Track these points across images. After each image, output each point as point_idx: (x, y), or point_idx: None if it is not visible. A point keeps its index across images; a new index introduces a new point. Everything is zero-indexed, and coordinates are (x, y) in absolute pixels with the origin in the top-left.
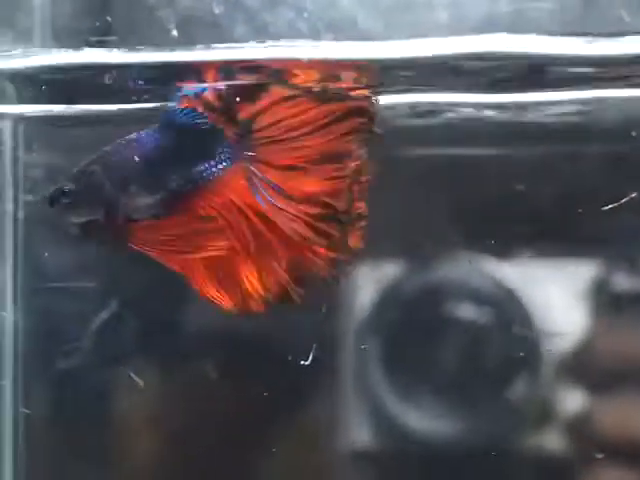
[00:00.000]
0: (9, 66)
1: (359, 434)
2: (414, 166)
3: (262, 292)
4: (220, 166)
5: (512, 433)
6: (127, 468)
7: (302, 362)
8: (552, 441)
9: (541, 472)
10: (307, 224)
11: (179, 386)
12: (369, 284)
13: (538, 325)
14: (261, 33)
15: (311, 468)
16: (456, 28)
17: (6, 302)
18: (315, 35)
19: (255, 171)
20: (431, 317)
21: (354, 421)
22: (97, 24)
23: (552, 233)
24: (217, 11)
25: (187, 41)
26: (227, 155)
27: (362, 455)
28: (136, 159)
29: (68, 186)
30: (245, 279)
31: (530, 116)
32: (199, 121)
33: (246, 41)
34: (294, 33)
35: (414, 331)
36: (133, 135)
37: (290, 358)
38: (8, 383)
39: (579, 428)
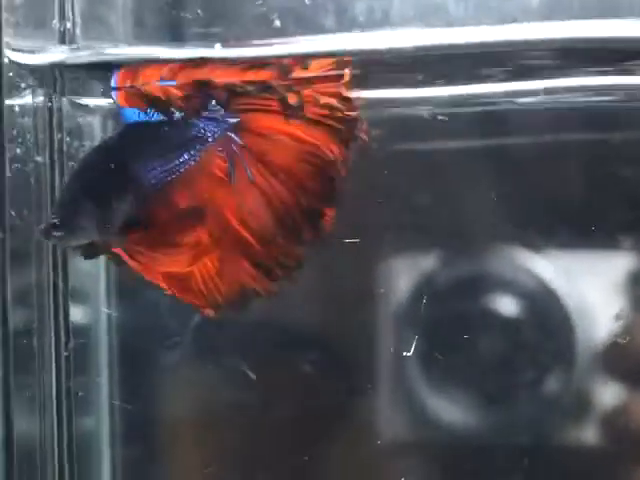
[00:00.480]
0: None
1: (396, 427)
2: (457, 156)
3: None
4: (193, 151)
5: (548, 427)
6: (223, 462)
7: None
8: (588, 434)
9: (577, 465)
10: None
11: (279, 379)
12: (406, 276)
13: (575, 318)
14: (352, 23)
15: (355, 461)
16: (547, 13)
17: (100, 296)
18: (406, 23)
19: (236, 139)
20: (467, 310)
21: (392, 415)
22: (188, 16)
23: (586, 225)
24: (307, 1)
25: (278, 33)
26: (204, 135)
27: (400, 448)
28: (110, 166)
29: (55, 218)
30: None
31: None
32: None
33: (335, 32)
34: (385, 22)
35: (450, 324)
36: (99, 142)
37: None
38: (104, 379)
39: (615, 422)
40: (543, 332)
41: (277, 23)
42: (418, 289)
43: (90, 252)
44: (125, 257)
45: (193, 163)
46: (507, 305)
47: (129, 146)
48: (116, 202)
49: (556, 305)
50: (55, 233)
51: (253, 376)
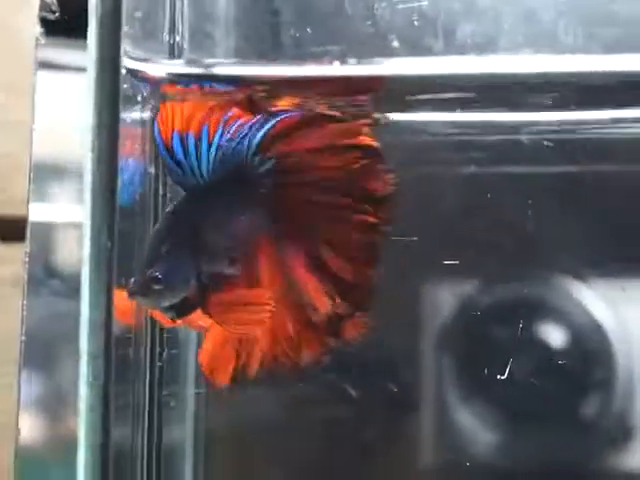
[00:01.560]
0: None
1: (433, 449)
2: (502, 182)
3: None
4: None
5: (588, 454)
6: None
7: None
8: (629, 462)
9: None
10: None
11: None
12: (447, 299)
13: (616, 346)
14: (460, 46)
15: None
16: None
17: None
18: (514, 48)
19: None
20: (509, 335)
21: (430, 436)
22: (296, 35)
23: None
24: (416, 23)
25: (389, 53)
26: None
27: (436, 470)
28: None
29: (156, 272)
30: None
31: None
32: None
33: (444, 54)
34: (492, 46)
35: (489, 348)
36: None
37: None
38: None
39: None
40: (585, 360)
41: (395, 44)
42: (461, 313)
43: (182, 311)
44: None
45: (249, 227)
46: (550, 332)
47: (197, 211)
48: (209, 253)
49: (599, 334)
50: (156, 287)
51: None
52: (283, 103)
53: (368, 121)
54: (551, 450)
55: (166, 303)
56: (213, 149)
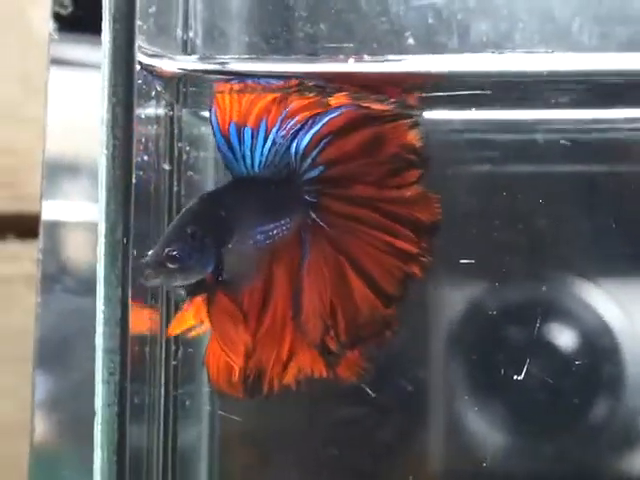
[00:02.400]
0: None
1: (443, 453)
2: (511, 182)
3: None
4: (284, 222)
5: (597, 458)
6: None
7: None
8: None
9: None
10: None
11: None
12: (455, 302)
13: (625, 349)
14: (476, 44)
15: None
16: None
17: None
18: (529, 46)
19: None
20: (519, 338)
21: (440, 440)
22: (311, 31)
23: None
24: (431, 21)
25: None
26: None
27: (447, 474)
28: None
29: (174, 251)
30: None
31: None
32: None
33: (459, 52)
34: (508, 44)
35: (498, 350)
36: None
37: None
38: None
39: None
40: (594, 363)
41: (410, 41)
42: (471, 315)
43: (194, 292)
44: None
45: (285, 232)
46: (560, 334)
47: (236, 201)
48: (230, 244)
49: (608, 336)
50: (171, 265)
51: (372, 394)
52: (333, 101)
53: (411, 121)
54: (561, 452)
55: (177, 283)
56: (268, 143)
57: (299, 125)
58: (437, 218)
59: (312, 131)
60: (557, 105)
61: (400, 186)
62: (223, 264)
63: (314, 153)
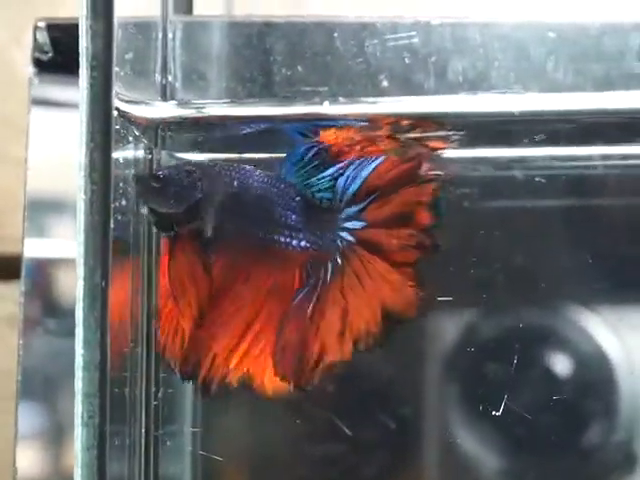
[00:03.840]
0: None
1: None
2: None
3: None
4: (300, 243)
5: None
6: None
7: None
8: None
9: None
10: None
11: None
12: (449, 328)
13: (619, 372)
14: (451, 85)
15: None
16: None
17: None
18: (505, 86)
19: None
20: (510, 362)
21: (433, 464)
22: (288, 74)
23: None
24: (407, 61)
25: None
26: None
27: None
28: (234, 188)
29: (162, 172)
30: None
31: None
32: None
33: (436, 93)
34: (484, 84)
35: (491, 376)
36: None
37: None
38: (189, 428)
39: None
40: (589, 388)
41: (385, 83)
42: (464, 341)
43: (161, 222)
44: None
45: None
46: (554, 360)
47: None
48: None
49: (603, 361)
50: (153, 183)
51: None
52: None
53: (438, 184)
54: (556, 478)
55: (158, 206)
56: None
57: (349, 161)
58: (409, 313)
59: (363, 175)
60: (532, 143)
61: (398, 264)
62: (203, 214)
63: (360, 207)
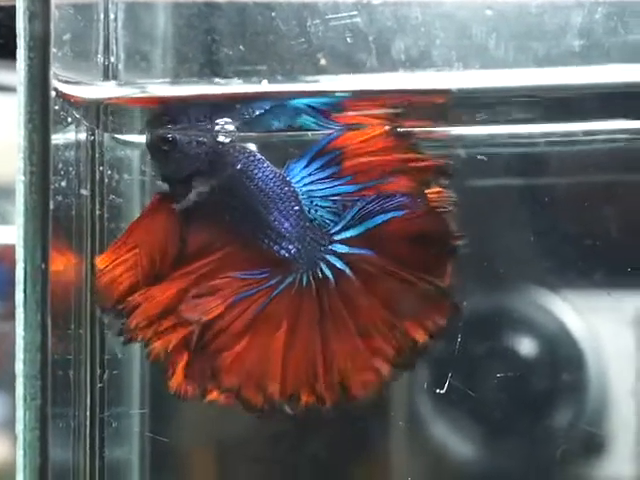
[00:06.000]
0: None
1: (411, 465)
2: (497, 193)
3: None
4: (281, 251)
5: (560, 462)
6: None
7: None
8: (600, 470)
9: None
10: None
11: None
12: None
13: (588, 355)
14: (393, 63)
15: None
16: (588, 56)
17: None
18: (447, 63)
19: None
20: (482, 347)
21: (406, 452)
22: (230, 53)
23: (605, 264)
24: (349, 40)
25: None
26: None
27: None
28: (235, 171)
29: (173, 136)
30: None
31: None
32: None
33: (377, 71)
34: (426, 62)
35: (463, 360)
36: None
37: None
38: (136, 410)
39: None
40: (557, 370)
41: (323, 62)
42: None
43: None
44: None
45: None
46: (522, 343)
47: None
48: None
49: (571, 343)
50: (162, 146)
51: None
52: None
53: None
54: (523, 459)
55: (167, 170)
56: (340, 188)
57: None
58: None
59: (375, 221)
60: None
61: None
62: (195, 185)
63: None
